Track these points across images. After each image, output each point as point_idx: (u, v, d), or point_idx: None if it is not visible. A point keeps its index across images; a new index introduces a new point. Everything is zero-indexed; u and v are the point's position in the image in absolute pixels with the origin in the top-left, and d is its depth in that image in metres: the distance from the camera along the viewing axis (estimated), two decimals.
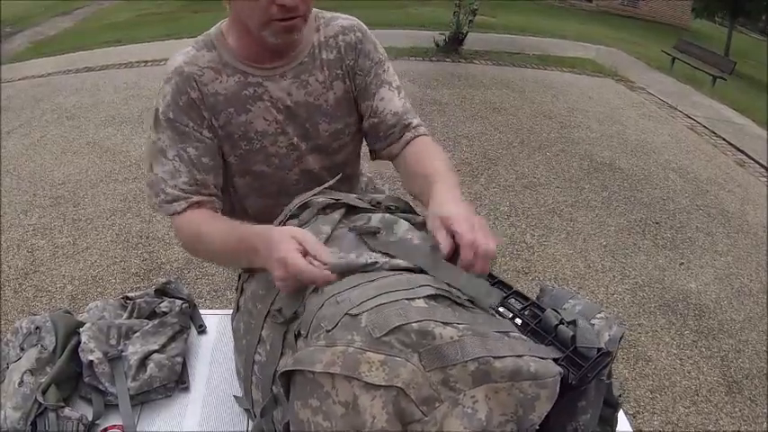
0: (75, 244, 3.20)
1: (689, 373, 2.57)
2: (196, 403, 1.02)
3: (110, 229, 3.35)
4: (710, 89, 8.50)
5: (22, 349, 0.99)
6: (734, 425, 2.32)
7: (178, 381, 1.03)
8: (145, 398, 0.99)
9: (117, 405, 0.95)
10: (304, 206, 0.89)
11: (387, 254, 0.78)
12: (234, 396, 0.98)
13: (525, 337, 0.70)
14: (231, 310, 0.96)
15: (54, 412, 0.89)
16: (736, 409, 2.40)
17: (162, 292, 1.21)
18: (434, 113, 5.41)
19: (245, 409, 0.93)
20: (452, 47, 7.87)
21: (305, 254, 0.72)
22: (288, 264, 0.71)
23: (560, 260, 3.30)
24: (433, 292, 0.69)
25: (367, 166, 1.35)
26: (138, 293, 1.19)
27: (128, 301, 1.15)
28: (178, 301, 1.16)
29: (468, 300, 0.73)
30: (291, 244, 0.73)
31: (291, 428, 0.66)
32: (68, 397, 0.96)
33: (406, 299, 0.66)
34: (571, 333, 0.71)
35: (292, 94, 1.02)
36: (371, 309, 0.64)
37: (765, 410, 2.41)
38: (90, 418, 0.92)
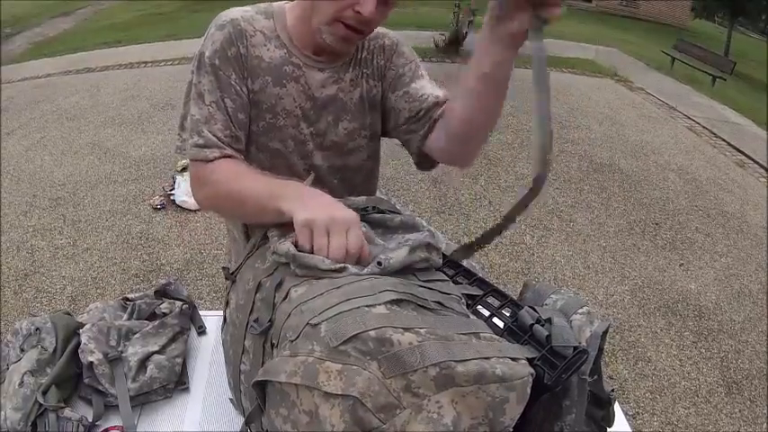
0: (75, 245, 3.20)
1: (688, 373, 2.57)
2: (196, 404, 1.02)
3: (110, 230, 3.36)
4: (710, 89, 8.52)
5: (22, 350, 0.99)
6: (733, 425, 2.32)
7: (178, 382, 1.03)
8: (145, 399, 0.99)
9: (117, 406, 0.95)
10: None
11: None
12: (230, 399, 0.99)
13: (498, 338, 0.69)
14: None
15: (54, 413, 0.89)
16: (736, 410, 2.40)
17: (162, 293, 1.21)
18: None
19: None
20: (452, 47, 7.87)
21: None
22: (353, 231, 0.75)
23: (560, 261, 3.31)
24: (395, 297, 0.69)
25: None
26: (137, 295, 1.19)
27: (128, 303, 1.15)
28: (178, 303, 1.16)
29: (436, 302, 0.72)
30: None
31: None
32: (68, 398, 0.96)
33: (367, 306, 0.66)
34: (546, 332, 0.71)
35: (326, 87, 1.03)
36: (331, 318, 0.64)
37: (765, 411, 2.41)
38: (90, 419, 0.92)
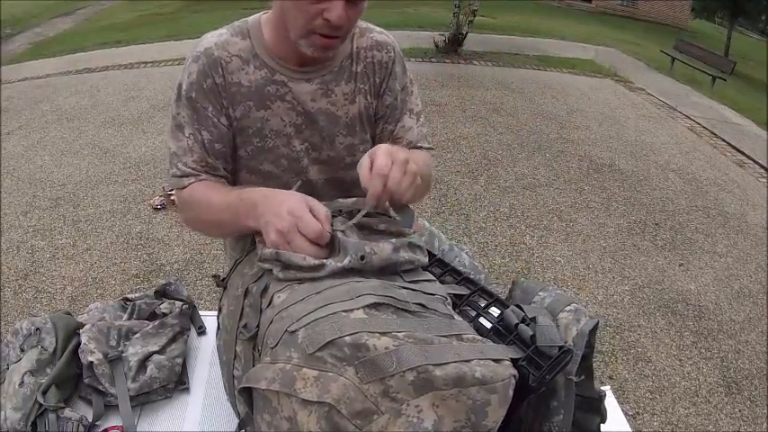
0: (75, 245, 3.20)
1: (688, 373, 2.57)
2: (196, 404, 1.02)
3: (110, 230, 3.36)
4: (710, 89, 8.51)
5: (22, 350, 0.99)
6: (733, 425, 2.32)
7: (178, 382, 1.03)
8: (145, 399, 0.99)
9: (117, 406, 0.95)
10: None
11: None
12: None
13: (481, 339, 0.69)
14: None
15: (54, 413, 0.89)
16: (736, 410, 2.40)
17: (162, 293, 1.21)
18: (434, 114, 5.41)
19: None
20: (452, 47, 7.88)
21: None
22: (302, 221, 0.76)
23: (560, 261, 3.31)
24: (374, 300, 0.69)
25: None
26: (137, 295, 1.19)
27: (128, 303, 1.15)
28: (178, 303, 1.16)
29: (418, 304, 0.72)
30: (304, 203, 0.78)
31: None
32: (68, 398, 0.96)
33: (344, 311, 0.66)
34: (531, 332, 0.70)
35: (316, 100, 1.01)
36: (308, 324, 0.65)
37: (765, 411, 2.41)
38: (90, 419, 0.92)
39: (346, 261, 0.75)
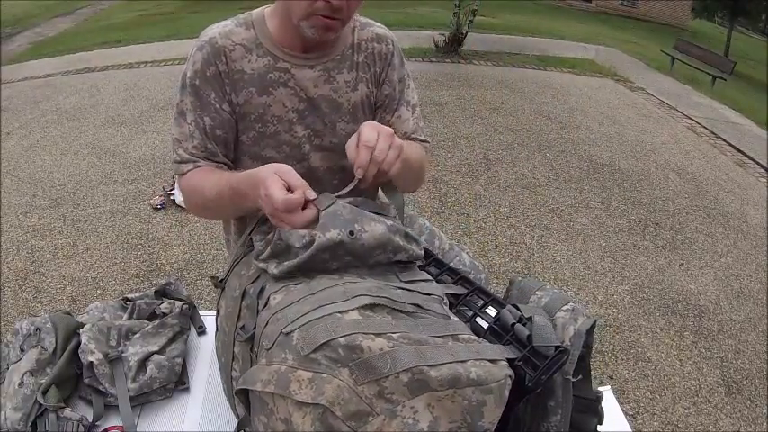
0: (75, 245, 3.20)
1: (688, 373, 2.57)
2: (196, 404, 1.02)
3: (110, 230, 3.36)
4: (710, 89, 8.51)
5: (22, 350, 0.99)
6: (733, 425, 2.32)
7: (178, 381, 1.04)
8: (145, 399, 0.99)
9: (117, 406, 0.95)
10: None
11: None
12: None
13: (478, 339, 0.69)
14: None
15: (54, 413, 0.89)
16: (736, 410, 2.40)
17: (162, 293, 1.21)
18: (434, 114, 5.41)
19: None
20: (452, 47, 7.87)
21: (288, 188, 0.77)
22: (272, 199, 0.75)
23: (560, 261, 3.31)
24: (369, 301, 0.69)
25: None
26: (137, 295, 1.19)
27: (128, 303, 1.15)
28: (178, 303, 1.16)
29: (413, 304, 0.72)
30: (275, 181, 0.77)
31: None
32: (68, 398, 0.96)
33: (339, 312, 0.66)
34: (527, 332, 0.70)
35: (318, 86, 1.03)
36: (303, 326, 0.65)
37: (765, 411, 2.41)
38: (90, 419, 0.92)
39: (334, 233, 0.75)
